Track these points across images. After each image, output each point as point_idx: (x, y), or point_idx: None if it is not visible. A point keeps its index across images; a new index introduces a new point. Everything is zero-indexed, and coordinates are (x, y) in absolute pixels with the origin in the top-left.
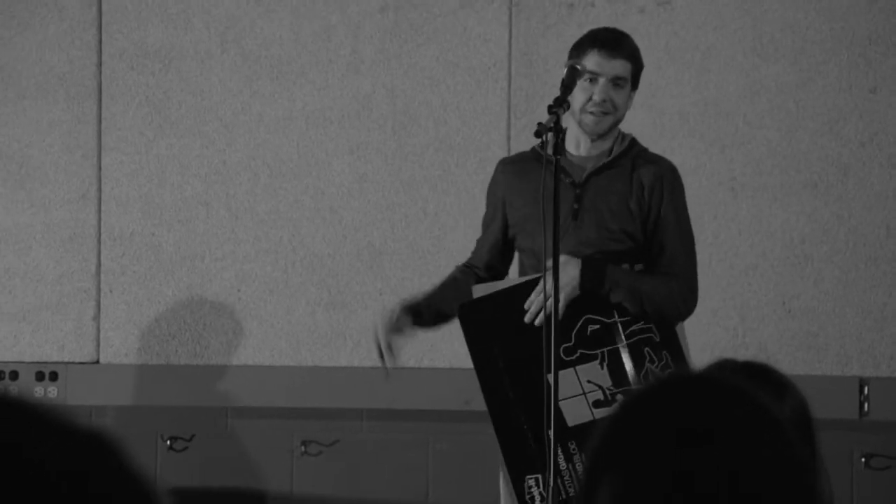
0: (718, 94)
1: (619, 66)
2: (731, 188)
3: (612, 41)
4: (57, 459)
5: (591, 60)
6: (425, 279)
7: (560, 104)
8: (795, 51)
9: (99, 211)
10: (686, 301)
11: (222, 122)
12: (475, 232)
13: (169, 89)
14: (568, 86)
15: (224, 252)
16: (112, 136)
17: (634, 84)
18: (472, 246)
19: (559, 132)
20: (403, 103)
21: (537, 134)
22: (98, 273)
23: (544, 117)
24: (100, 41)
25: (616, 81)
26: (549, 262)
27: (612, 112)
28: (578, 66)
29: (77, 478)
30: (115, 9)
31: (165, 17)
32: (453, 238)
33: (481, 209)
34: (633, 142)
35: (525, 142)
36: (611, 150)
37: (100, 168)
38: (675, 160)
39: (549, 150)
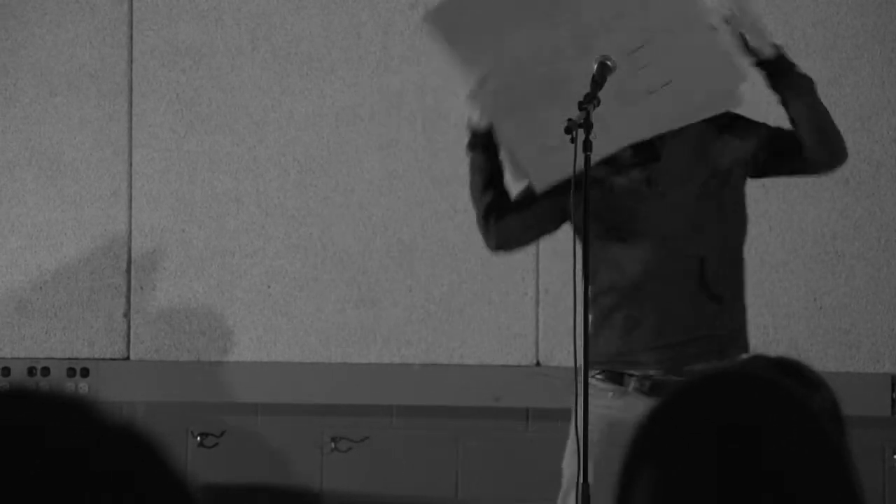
0: (749, 90)
1: None
2: (761, 184)
3: None
4: (100, 456)
5: None
6: (455, 276)
7: (591, 100)
8: (827, 46)
9: (130, 207)
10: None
11: (252, 119)
12: None
13: (199, 86)
14: (598, 81)
15: (254, 248)
16: (143, 133)
17: None
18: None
19: (590, 128)
20: (433, 100)
21: (567, 130)
22: (129, 269)
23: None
24: (131, 38)
25: None
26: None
27: None
28: (609, 63)
29: (120, 474)
30: (146, 6)
31: (196, 14)
32: None
33: None
34: None
35: None
36: None
37: (131, 165)
38: None
39: (580, 147)
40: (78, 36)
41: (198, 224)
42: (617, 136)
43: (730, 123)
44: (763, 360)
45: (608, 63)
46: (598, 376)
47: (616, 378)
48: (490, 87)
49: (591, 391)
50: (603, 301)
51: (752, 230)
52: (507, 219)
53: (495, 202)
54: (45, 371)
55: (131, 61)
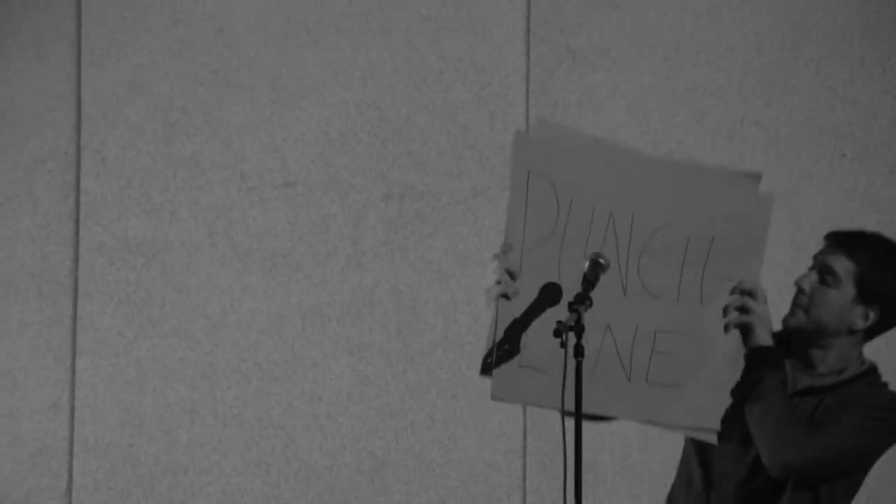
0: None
1: (833, 258)
2: None
3: (843, 233)
4: None
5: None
6: (434, 494)
7: (582, 301)
8: None
9: (72, 421)
10: (789, 449)
11: (210, 321)
12: (488, 443)
13: (151, 286)
14: (591, 281)
15: (210, 464)
16: (88, 338)
17: (862, 296)
18: (484, 462)
19: (581, 332)
20: (409, 299)
21: (556, 333)
22: (69, 490)
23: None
24: (77, 234)
25: (824, 273)
26: None
27: (803, 305)
28: (601, 260)
29: None
30: (93, 199)
31: (149, 208)
32: (464, 448)
33: (495, 417)
34: (872, 369)
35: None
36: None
37: (73, 373)
38: None
39: (570, 352)
40: (18, 233)
41: (147, 438)
42: (604, 400)
43: None
44: None
45: (601, 261)
46: None
47: None
48: (510, 255)
49: None
50: None
51: None
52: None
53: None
54: None
55: (76, 259)
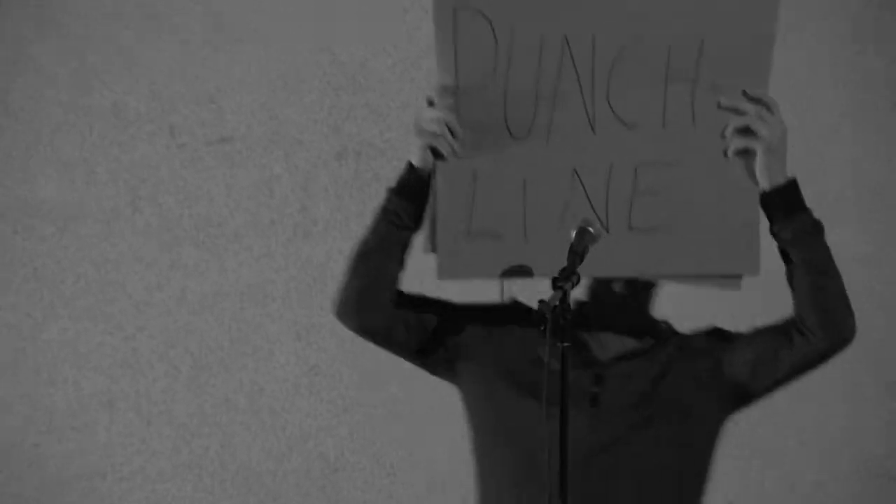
0: None
1: None
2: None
3: None
4: None
5: None
6: (393, 502)
7: (568, 276)
8: None
9: None
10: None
11: (132, 301)
12: (456, 443)
13: (63, 258)
14: (578, 253)
15: (132, 469)
16: None
17: None
18: (454, 465)
19: (567, 312)
20: None
21: (540, 316)
22: None
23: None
24: None
25: None
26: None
27: None
28: (591, 229)
29: None
30: None
31: (60, 167)
32: (429, 448)
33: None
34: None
35: None
36: None
37: None
38: None
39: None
40: None
41: (57, 437)
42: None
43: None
44: None
45: (590, 230)
46: None
47: None
48: (447, 104)
49: None
50: None
51: None
52: (384, 300)
53: (385, 272)
54: None
55: None
